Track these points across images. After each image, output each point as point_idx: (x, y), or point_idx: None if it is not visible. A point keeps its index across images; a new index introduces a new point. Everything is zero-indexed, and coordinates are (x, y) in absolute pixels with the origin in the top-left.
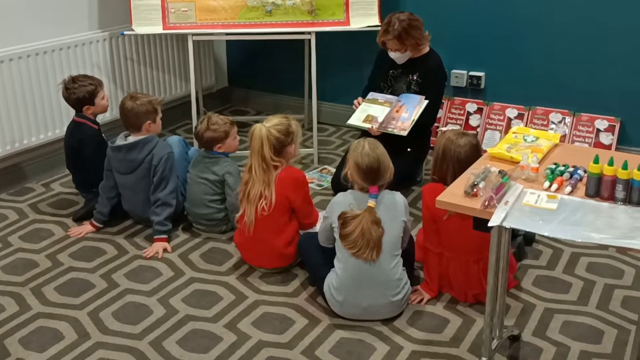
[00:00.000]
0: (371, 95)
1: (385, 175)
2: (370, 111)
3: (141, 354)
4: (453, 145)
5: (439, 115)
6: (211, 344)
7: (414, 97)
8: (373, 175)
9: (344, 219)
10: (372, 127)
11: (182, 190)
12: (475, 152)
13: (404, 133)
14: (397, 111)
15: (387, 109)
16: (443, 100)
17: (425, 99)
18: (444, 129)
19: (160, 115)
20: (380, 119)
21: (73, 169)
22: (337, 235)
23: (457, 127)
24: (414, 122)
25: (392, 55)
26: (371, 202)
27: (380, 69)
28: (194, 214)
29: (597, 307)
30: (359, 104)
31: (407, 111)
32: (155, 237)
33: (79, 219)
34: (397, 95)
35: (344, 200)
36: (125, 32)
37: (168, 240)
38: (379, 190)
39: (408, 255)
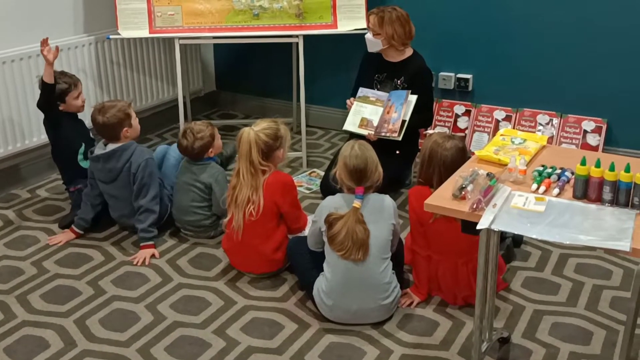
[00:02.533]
0: (362, 92)
1: (371, 177)
2: (364, 113)
3: None
4: (439, 149)
5: None
6: (200, 350)
7: (401, 94)
8: (359, 175)
9: (329, 221)
10: (369, 133)
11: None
12: (462, 155)
13: (396, 135)
14: (387, 112)
15: (380, 109)
16: None
17: (418, 99)
18: (430, 131)
19: (134, 117)
20: (375, 123)
21: (55, 160)
22: (325, 239)
23: (445, 130)
24: (406, 122)
25: (366, 35)
26: (356, 203)
27: (365, 74)
28: (182, 220)
29: (585, 308)
30: (352, 104)
31: (396, 111)
32: (141, 244)
33: (65, 226)
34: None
35: (331, 204)
36: (111, 36)
37: (155, 246)
38: (365, 192)
39: (397, 259)
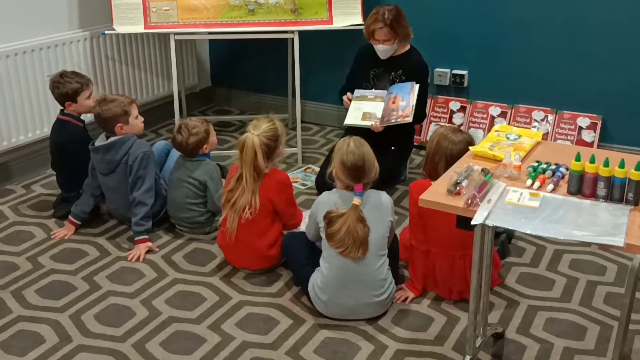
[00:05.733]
0: (358, 92)
1: (370, 174)
2: (365, 108)
3: (124, 356)
4: (446, 141)
5: None
6: (195, 345)
7: (404, 85)
8: (358, 173)
9: (329, 218)
10: (374, 123)
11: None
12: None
13: (409, 119)
14: (393, 102)
15: (380, 104)
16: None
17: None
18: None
19: (133, 115)
20: (378, 115)
21: (58, 168)
22: (323, 235)
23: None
24: (414, 107)
25: (379, 48)
26: (356, 200)
27: (360, 69)
28: (176, 217)
29: (580, 303)
30: (349, 100)
31: (404, 99)
32: (135, 239)
33: (61, 216)
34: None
35: (328, 200)
36: (106, 32)
37: (149, 240)
38: (364, 189)
39: (392, 254)
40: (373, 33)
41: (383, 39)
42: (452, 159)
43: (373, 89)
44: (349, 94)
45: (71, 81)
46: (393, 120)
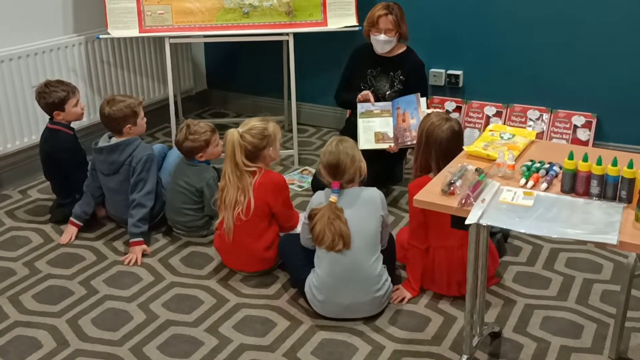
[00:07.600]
0: (362, 107)
1: (347, 172)
2: (375, 127)
3: None
4: (437, 130)
5: None
6: (192, 348)
7: (409, 99)
8: (332, 170)
9: (310, 215)
10: (390, 146)
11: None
12: (457, 137)
13: None
14: (403, 121)
15: (389, 119)
16: None
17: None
18: (428, 111)
19: (141, 116)
20: (390, 134)
21: (51, 177)
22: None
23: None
24: None
25: (380, 38)
26: (332, 197)
27: (356, 69)
28: (173, 220)
29: (576, 302)
30: (362, 98)
31: (413, 117)
32: (130, 240)
33: (58, 221)
34: (375, 94)
35: (317, 200)
36: (100, 36)
37: (146, 244)
38: (344, 187)
39: (389, 254)
40: (378, 20)
41: (386, 27)
42: (440, 147)
43: (370, 92)
44: (364, 92)
45: (57, 90)
46: (408, 142)
